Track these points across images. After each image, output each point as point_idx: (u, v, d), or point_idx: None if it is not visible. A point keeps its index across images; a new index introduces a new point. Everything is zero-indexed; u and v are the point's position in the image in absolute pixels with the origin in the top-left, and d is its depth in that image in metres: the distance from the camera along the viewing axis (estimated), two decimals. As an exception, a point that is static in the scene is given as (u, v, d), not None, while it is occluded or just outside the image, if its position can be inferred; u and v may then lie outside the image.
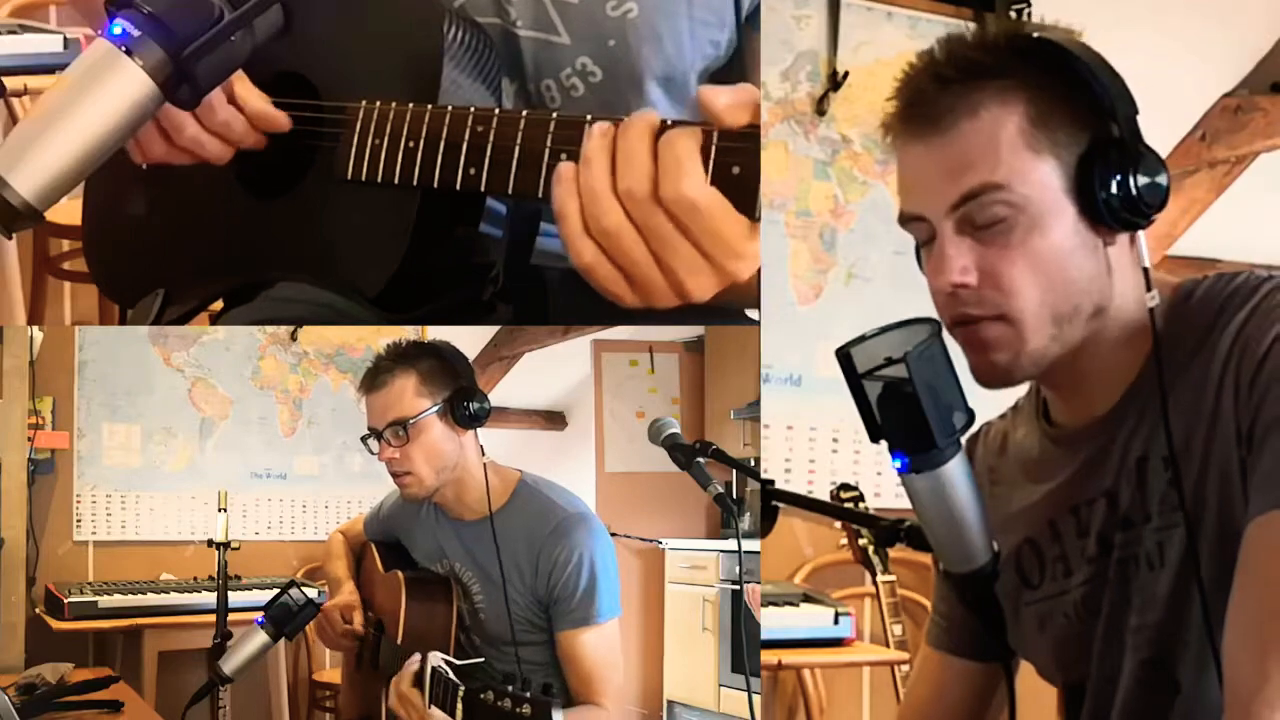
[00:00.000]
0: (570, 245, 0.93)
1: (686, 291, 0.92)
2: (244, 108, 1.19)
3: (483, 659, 1.63)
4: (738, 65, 1.34)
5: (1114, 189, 1.02)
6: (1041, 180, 1.03)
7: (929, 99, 1.05)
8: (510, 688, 1.29)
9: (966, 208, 1.04)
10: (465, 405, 1.75)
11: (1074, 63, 1.03)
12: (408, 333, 4.28)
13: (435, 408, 1.75)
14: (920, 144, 1.06)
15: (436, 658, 1.46)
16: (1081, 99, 1.03)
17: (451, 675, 1.41)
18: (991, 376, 1.07)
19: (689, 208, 0.89)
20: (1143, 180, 1.02)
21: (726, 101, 0.90)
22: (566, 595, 1.72)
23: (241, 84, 1.18)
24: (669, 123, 0.92)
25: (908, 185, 1.08)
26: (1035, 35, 1.05)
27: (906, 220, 1.09)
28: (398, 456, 1.75)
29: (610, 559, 1.77)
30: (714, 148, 0.90)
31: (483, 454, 1.80)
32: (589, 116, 1.00)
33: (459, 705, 1.36)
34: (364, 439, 1.80)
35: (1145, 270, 1.05)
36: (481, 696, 1.32)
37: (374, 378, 1.79)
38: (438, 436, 1.76)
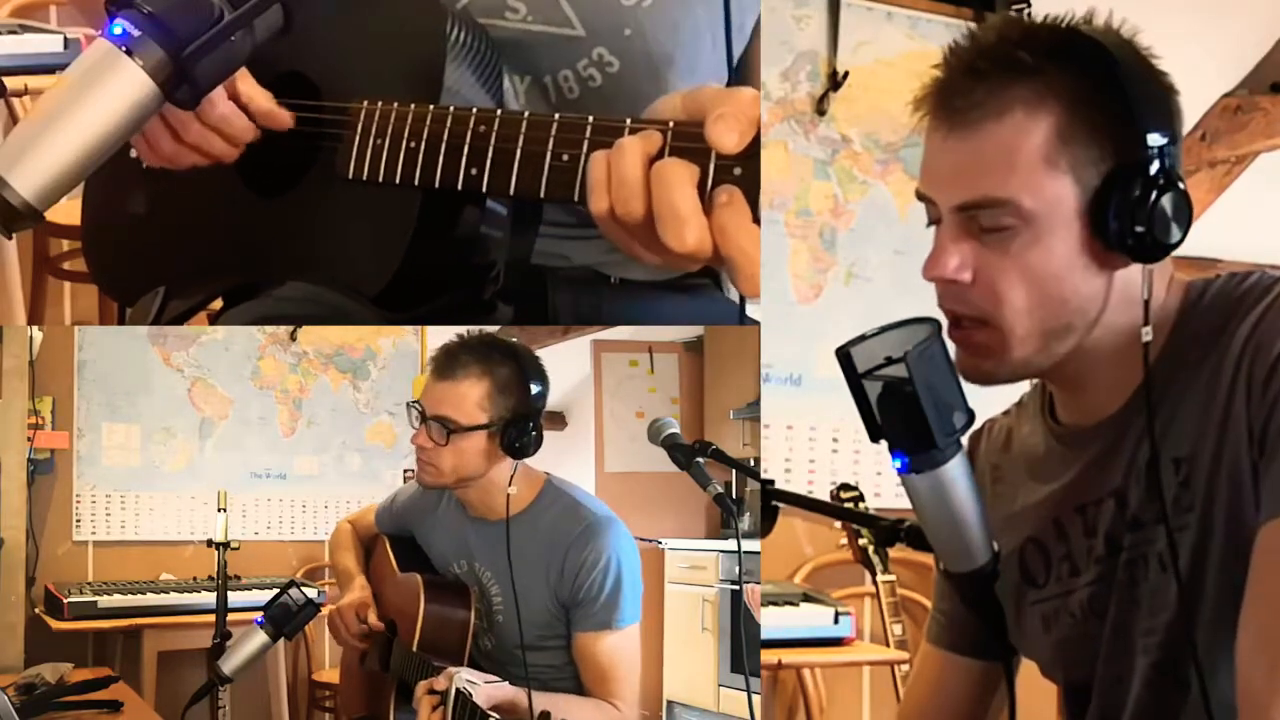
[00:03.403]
0: (592, 191, 0.94)
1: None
2: (248, 106, 1.19)
3: (505, 680, 1.60)
4: (743, 65, 1.34)
5: (1129, 221, 0.99)
6: (1054, 198, 1.01)
7: (960, 89, 1.03)
8: None
9: (973, 212, 1.03)
10: (517, 435, 1.66)
11: (1119, 74, 0.99)
12: (408, 333, 4.31)
13: (489, 427, 1.67)
14: (942, 133, 1.04)
15: (462, 679, 1.44)
16: (1117, 114, 1.00)
17: (476, 698, 1.39)
18: (976, 377, 1.07)
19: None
20: (1161, 218, 0.99)
21: (739, 133, 0.89)
22: (590, 598, 1.69)
23: (245, 82, 1.18)
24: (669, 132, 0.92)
25: (926, 167, 1.08)
26: (1090, 37, 1.01)
27: (920, 198, 1.09)
28: (429, 448, 1.69)
29: (635, 564, 1.74)
30: (714, 152, 0.90)
31: (514, 468, 1.72)
32: (590, 117, 1.00)
33: None
34: (409, 405, 1.71)
35: (1146, 303, 1.03)
36: None
37: (449, 365, 1.69)
38: (475, 449, 1.69)
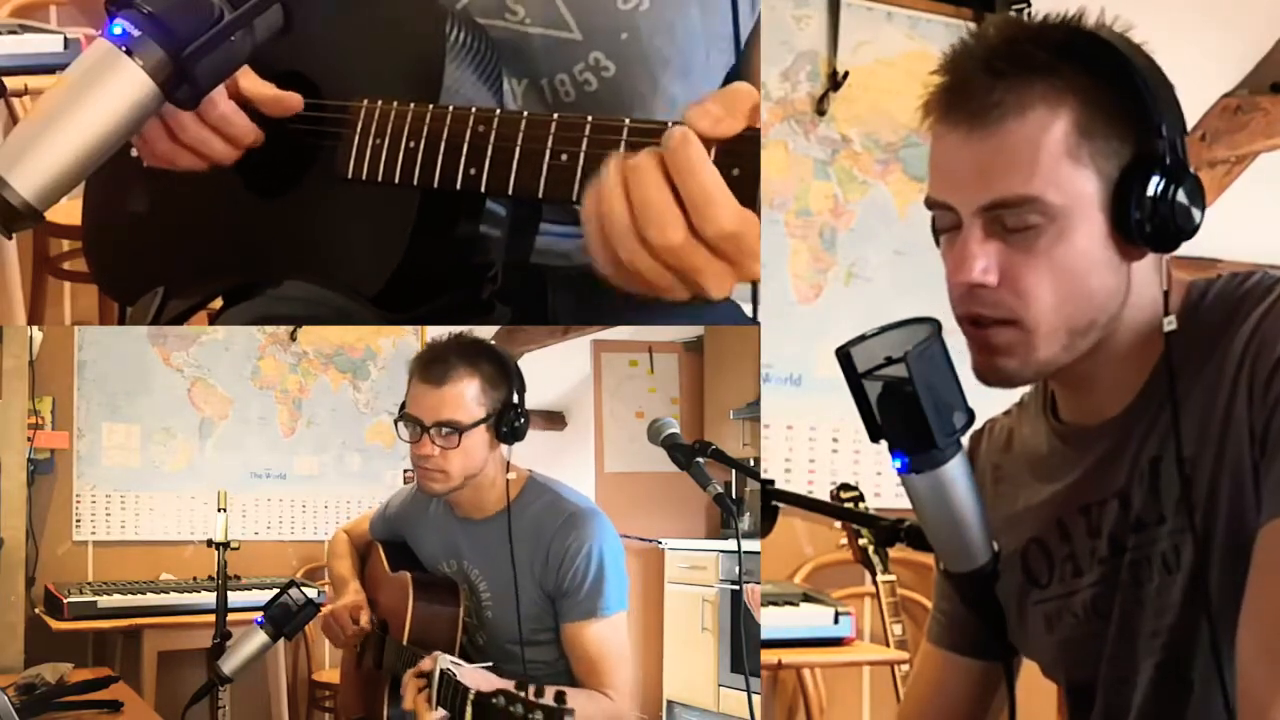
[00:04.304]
0: (593, 251, 0.91)
1: (709, 294, 0.91)
2: (254, 97, 1.19)
3: (490, 663, 1.62)
4: (749, 60, 1.35)
5: (1150, 210, 1.00)
6: (1077, 191, 1.01)
7: (976, 89, 1.01)
8: (523, 694, 1.28)
9: (998, 211, 1.02)
10: (511, 421, 1.72)
11: (1129, 69, 1.00)
12: (408, 333, 4.31)
13: (487, 420, 1.72)
14: (959, 134, 1.03)
15: (445, 660, 1.45)
16: (1131, 108, 1.01)
17: (460, 679, 1.40)
18: (995, 378, 1.06)
19: (731, 239, 0.87)
20: (1180, 206, 1.00)
21: (713, 118, 0.88)
22: (574, 588, 1.71)
23: (247, 79, 1.18)
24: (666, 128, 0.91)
25: (940, 172, 1.06)
26: (1095, 34, 1.02)
27: (933, 205, 1.07)
28: (436, 455, 1.72)
29: (618, 554, 1.77)
30: (714, 150, 0.90)
31: (507, 457, 1.78)
32: (589, 117, 1.00)
33: (468, 710, 1.34)
34: (398, 422, 1.75)
35: (1166, 294, 1.04)
36: (493, 701, 1.30)
37: (438, 369, 1.72)
38: (478, 444, 1.73)
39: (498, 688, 1.32)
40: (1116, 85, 1.01)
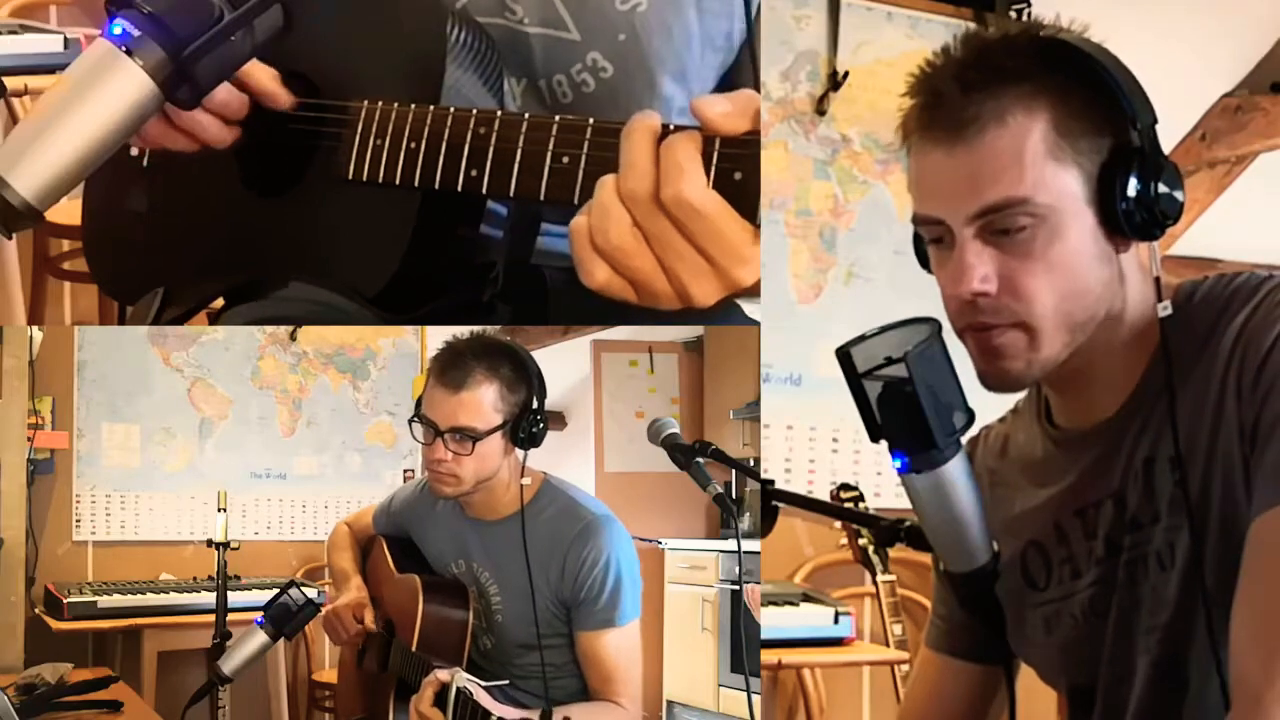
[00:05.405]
0: (581, 266, 0.93)
1: (690, 297, 0.91)
2: (249, 83, 1.18)
3: (507, 681, 1.60)
4: (746, 62, 1.35)
5: (1134, 199, 1.02)
6: (1064, 189, 1.02)
7: (953, 103, 1.03)
8: None
9: (989, 217, 1.03)
10: (528, 427, 1.68)
11: (1096, 67, 1.02)
12: (408, 333, 4.31)
13: (504, 426, 1.68)
14: (942, 150, 1.04)
15: (463, 678, 1.44)
16: (1103, 104, 1.02)
17: (479, 700, 1.39)
18: (1001, 383, 1.07)
19: (690, 211, 0.88)
20: (1162, 191, 1.02)
21: (720, 110, 0.89)
22: (592, 597, 1.70)
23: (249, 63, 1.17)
24: (671, 127, 0.92)
25: (926, 188, 1.07)
26: (1057, 38, 1.04)
27: (922, 222, 1.08)
28: (450, 460, 1.69)
29: (633, 562, 1.75)
30: (715, 154, 0.90)
31: (523, 459, 1.74)
32: (591, 120, 1.00)
33: None
34: (412, 422, 1.71)
35: (1157, 280, 1.05)
36: None
37: (457, 373, 1.68)
38: (493, 450, 1.70)
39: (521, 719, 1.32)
40: (1086, 83, 1.03)
